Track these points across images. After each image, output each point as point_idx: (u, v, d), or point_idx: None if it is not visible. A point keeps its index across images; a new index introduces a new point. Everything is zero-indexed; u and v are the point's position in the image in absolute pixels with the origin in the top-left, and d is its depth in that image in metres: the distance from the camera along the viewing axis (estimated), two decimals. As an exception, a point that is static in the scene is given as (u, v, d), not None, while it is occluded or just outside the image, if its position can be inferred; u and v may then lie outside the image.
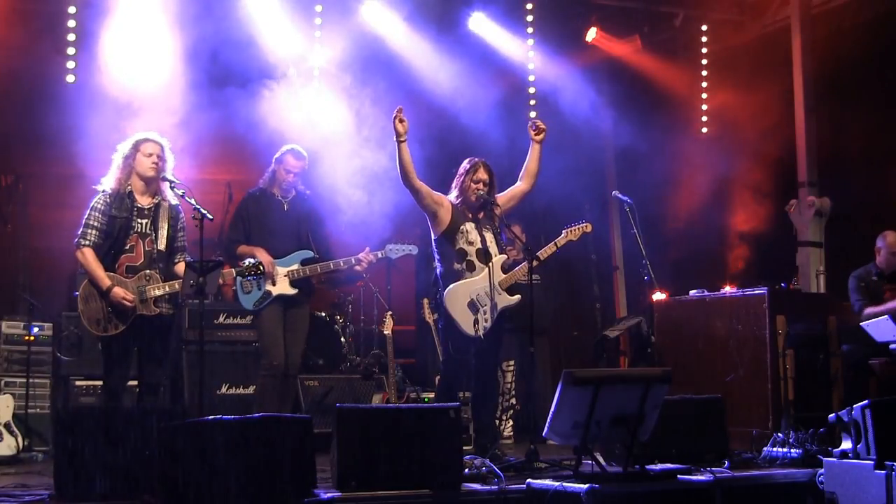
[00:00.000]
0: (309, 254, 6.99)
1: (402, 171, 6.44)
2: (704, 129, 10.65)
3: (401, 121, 6.36)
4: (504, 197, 6.76)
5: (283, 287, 6.88)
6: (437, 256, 6.66)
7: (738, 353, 7.29)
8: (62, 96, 8.34)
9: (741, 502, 5.68)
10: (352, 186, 8.34)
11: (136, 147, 6.16)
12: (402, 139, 6.37)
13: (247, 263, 6.31)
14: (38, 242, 8.53)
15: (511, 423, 8.68)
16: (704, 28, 10.50)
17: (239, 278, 6.69)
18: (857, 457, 5.52)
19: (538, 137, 6.81)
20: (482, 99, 9.42)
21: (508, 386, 8.62)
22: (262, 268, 6.33)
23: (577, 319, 11.04)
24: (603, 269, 11.26)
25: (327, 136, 8.45)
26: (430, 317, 8.17)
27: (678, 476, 5.42)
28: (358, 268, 7.06)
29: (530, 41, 9.94)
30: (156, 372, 6.15)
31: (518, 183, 6.87)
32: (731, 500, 5.51)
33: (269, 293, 6.85)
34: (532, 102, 10.14)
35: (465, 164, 6.70)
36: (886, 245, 7.95)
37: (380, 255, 7.09)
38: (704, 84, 10.60)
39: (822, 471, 5.74)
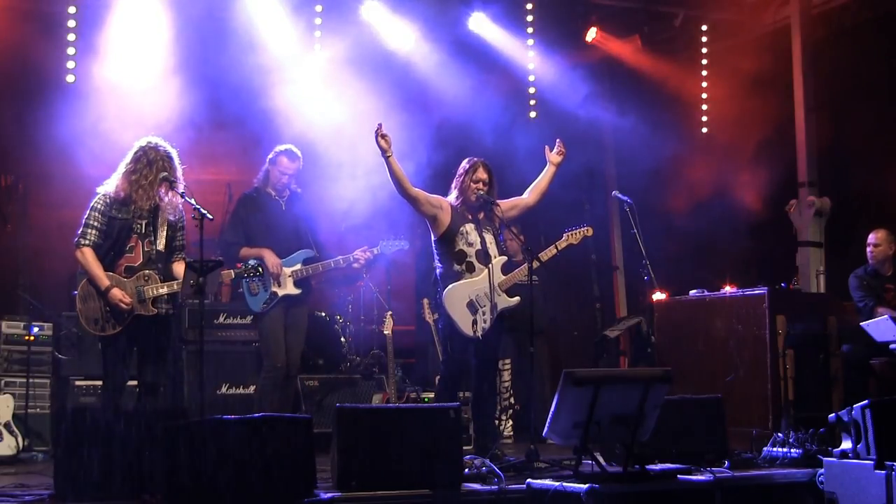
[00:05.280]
0: (310, 253, 7.00)
1: (396, 183, 6.42)
2: (704, 129, 10.65)
3: (382, 136, 6.31)
4: (507, 204, 6.75)
5: (288, 288, 6.88)
6: (436, 257, 6.66)
7: (738, 353, 7.29)
8: (62, 96, 8.33)
9: (741, 502, 5.69)
10: (351, 186, 8.34)
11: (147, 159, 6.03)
12: (388, 154, 6.33)
13: (247, 265, 6.31)
14: (38, 242, 8.51)
15: (511, 422, 8.68)
16: (704, 28, 10.49)
17: (245, 280, 6.69)
18: (857, 457, 5.52)
19: (557, 159, 6.81)
20: (481, 99, 9.42)
21: (506, 385, 8.61)
22: (261, 270, 6.33)
23: (577, 319, 11.02)
24: (603, 269, 11.24)
25: (327, 136, 8.44)
26: (430, 317, 8.18)
27: (678, 476, 5.43)
28: (356, 265, 7.10)
29: (530, 41, 9.92)
30: (155, 372, 6.12)
31: (525, 195, 6.88)
32: (731, 500, 5.51)
33: (275, 294, 6.85)
34: (532, 102, 10.13)
35: (465, 164, 6.69)
36: (875, 242, 8.00)
37: (375, 252, 7.11)
38: (704, 84, 10.60)
39: (822, 471, 5.75)
